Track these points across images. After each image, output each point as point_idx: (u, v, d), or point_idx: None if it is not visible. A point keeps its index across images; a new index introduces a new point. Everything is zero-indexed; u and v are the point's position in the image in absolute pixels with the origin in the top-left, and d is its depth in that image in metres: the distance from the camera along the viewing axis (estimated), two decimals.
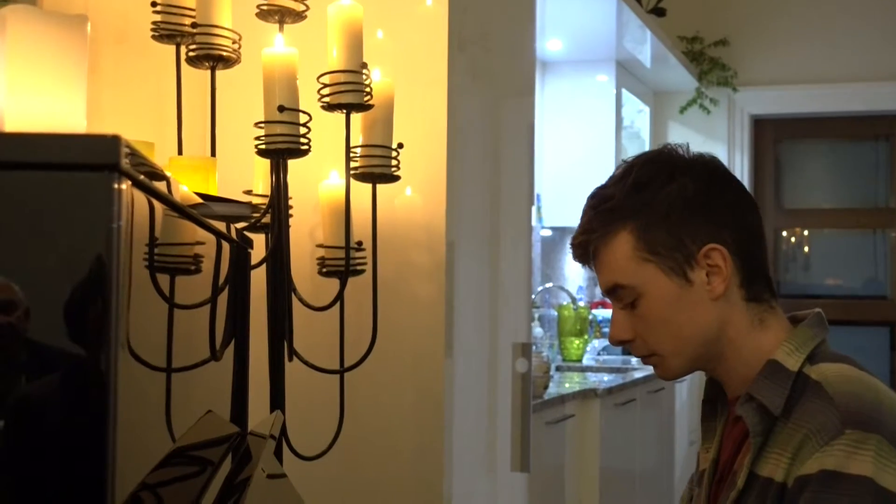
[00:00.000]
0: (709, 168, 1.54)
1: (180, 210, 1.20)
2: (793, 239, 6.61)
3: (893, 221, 6.31)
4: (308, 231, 2.46)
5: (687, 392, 5.49)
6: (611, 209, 1.51)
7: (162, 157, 1.92)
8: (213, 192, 1.83)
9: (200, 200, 1.35)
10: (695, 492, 1.61)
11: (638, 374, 4.72)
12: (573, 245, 1.56)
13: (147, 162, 1.03)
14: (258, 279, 2.21)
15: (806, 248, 6.63)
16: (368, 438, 2.54)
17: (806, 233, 6.60)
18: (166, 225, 1.21)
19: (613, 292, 1.52)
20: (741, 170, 6.25)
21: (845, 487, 1.30)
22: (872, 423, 1.33)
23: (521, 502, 3.26)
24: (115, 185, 0.87)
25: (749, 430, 1.42)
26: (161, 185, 1.10)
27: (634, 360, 5.09)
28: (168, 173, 1.17)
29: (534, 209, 4.96)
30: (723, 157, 6.17)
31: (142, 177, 0.98)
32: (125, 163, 0.89)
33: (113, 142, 0.87)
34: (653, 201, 1.48)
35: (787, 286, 6.52)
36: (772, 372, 1.44)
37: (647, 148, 6.09)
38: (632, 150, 5.90)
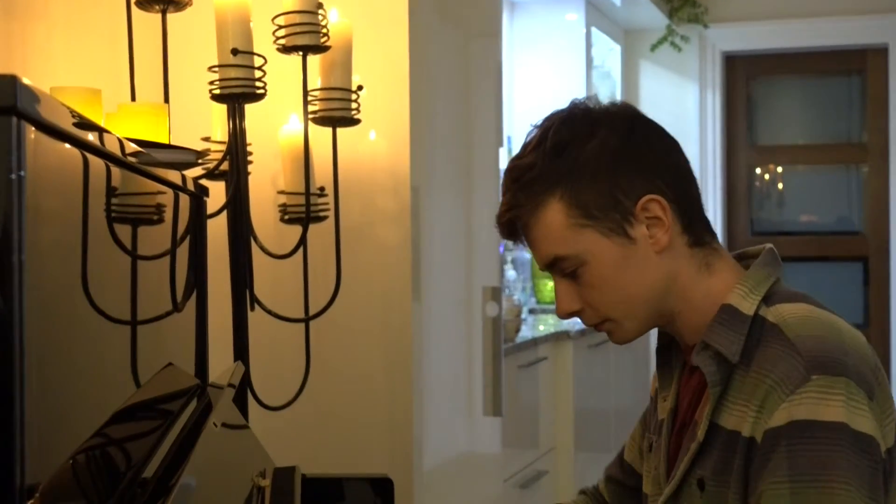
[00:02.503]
0: (627, 116, 1.46)
1: (112, 158, 1.15)
2: (766, 176, 6.59)
3: (866, 157, 6.30)
4: (270, 178, 2.42)
5: None
6: (534, 179, 1.42)
7: (115, 104, 1.87)
8: (164, 138, 1.78)
9: (138, 148, 1.31)
10: (653, 440, 1.54)
11: None
12: (500, 224, 1.47)
13: (68, 109, 0.98)
14: (220, 228, 2.17)
15: (780, 185, 6.61)
16: (336, 387, 2.51)
17: (779, 170, 6.58)
18: (98, 175, 1.16)
19: (553, 265, 1.44)
20: (713, 107, 6.22)
21: (821, 434, 1.25)
22: (838, 365, 1.28)
23: (495, 445, 3.25)
24: (14, 131, 0.79)
25: (707, 380, 1.37)
26: (87, 134, 1.05)
27: None
28: (94, 120, 1.12)
29: (504, 151, 4.92)
30: (694, 95, 6.13)
31: (60, 124, 0.92)
32: (26, 106, 0.81)
33: (8, 82, 0.79)
34: (577, 162, 1.40)
35: (760, 223, 6.51)
36: (726, 317, 1.38)
37: (618, 88, 6.04)
38: (603, 90, 5.85)
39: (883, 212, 6.12)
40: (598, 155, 1.40)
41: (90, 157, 1.12)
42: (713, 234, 1.46)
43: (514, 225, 1.45)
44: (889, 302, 6.06)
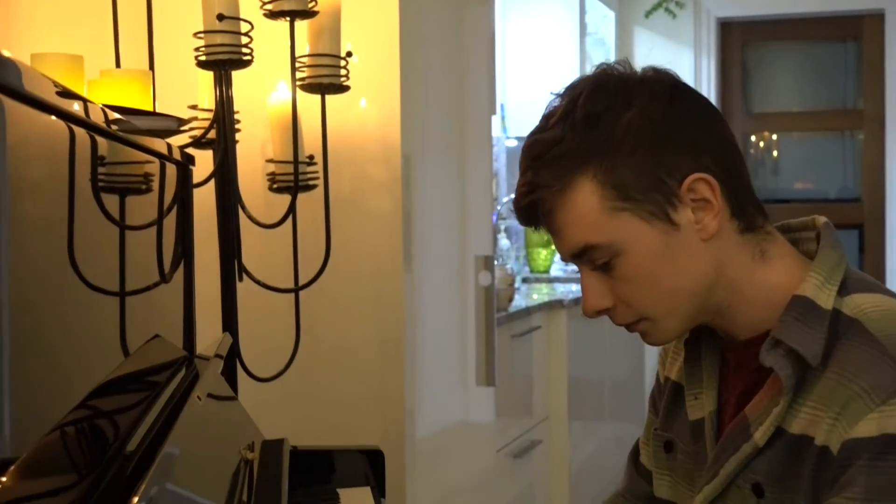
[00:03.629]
0: (667, 83, 1.26)
1: (93, 128, 1.12)
2: (761, 144, 6.56)
3: (862, 123, 6.27)
4: (258, 146, 2.38)
5: None
6: (561, 155, 1.22)
7: (99, 71, 1.84)
8: (147, 106, 1.75)
9: (117, 116, 1.28)
10: (674, 441, 1.39)
11: None
12: (518, 208, 1.28)
13: (49, 79, 0.95)
14: (208, 198, 2.15)
15: (775, 153, 6.58)
16: (327, 358, 2.49)
17: (774, 137, 6.55)
18: (80, 145, 1.13)
19: (583, 255, 1.25)
20: (708, 74, 6.18)
21: None
22: None
23: (488, 415, 3.24)
24: None
25: (783, 384, 1.19)
26: (67, 103, 1.02)
27: None
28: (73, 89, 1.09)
29: (498, 119, 4.89)
30: (689, 62, 6.09)
31: (41, 94, 0.89)
32: (5, 78, 0.79)
33: None
34: (613, 136, 1.21)
35: (756, 192, 6.49)
36: (802, 312, 1.19)
37: (612, 55, 5.99)
38: (597, 57, 5.80)
39: (879, 178, 6.10)
40: (638, 128, 1.21)
41: (71, 126, 1.10)
42: (766, 216, 1.28)
43: (535, 209, 1.26)
44: (885, 269, 6.05)
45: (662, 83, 1.26)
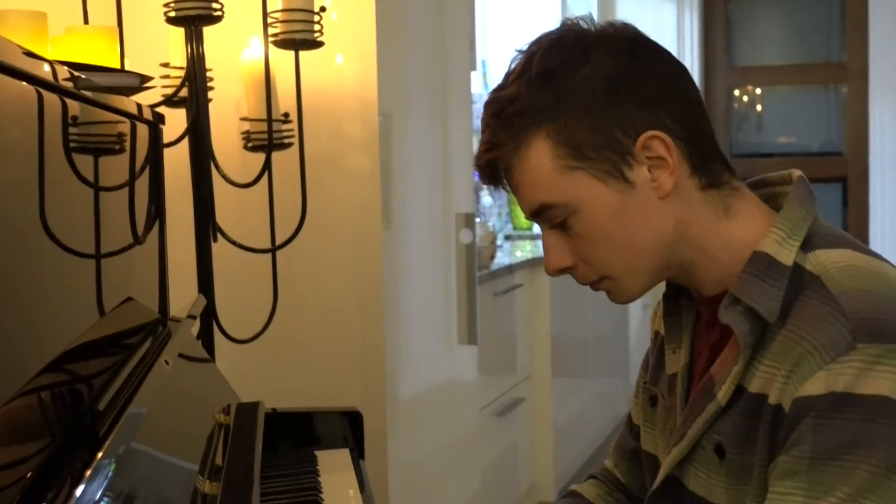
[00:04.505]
0: (627, 38, 1.23)
1: (53, 87, 1.09)
2: (745, 98, 6.54)
3: (845, 77, 6.24)
4: (232, 105, 2.35)
5: None
6: (516, 114, 1.21)
7: (65, 27, 1.80)
8: (115, 63, 1.71)
9: (75, 73, 1.24)
10: (656, 393, 1.38)
11: None
12: (479, 166, 1.26)
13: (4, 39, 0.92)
14: (182, 158, 2.11)
15: (758, 107, 6.56)
16: (306, 318, 2.47)
17: (758, 91, 6.53)
18: (38, 104, 1.10)
19: (540, 214, 1.24)
20: (691, 28, 6.13)
21: (855, 410, 1.08)
22: (891, 330, 1.10)
23: (471, 374, 3.23)
24: None
25: (739, 342, 1.18)
26: (24, 61, 0.99)
27: None
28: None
29: (479, 76, 4.84)
30: (672, 15, 6.04)
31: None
32: None
33: None
34: (566, 93, 1.19)
35: (739, 146, 6.47)
36: (761, 268, 1.18)
37: (595, 10, 5.94)
38: (578, 12, 5.74)
39: (862, 132, 6.08)
40: (592, 84, 1.19)
41: (38, 89, 1.07)
42: (732, 172, 1.26)
43: (494, 168, 1.25)
44: (868, 222, 6.05)
45: (620, 38, 1.23)
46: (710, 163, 1.23)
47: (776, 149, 6.45)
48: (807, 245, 1.19)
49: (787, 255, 1.18)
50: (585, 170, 1.20)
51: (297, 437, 1.88)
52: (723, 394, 1.20)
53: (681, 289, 1.33)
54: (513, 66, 1.25)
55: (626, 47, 1.22)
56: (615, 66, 1.20)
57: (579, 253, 1.24)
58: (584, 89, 1.19)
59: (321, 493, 1.66)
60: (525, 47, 1.25)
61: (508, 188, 1.27)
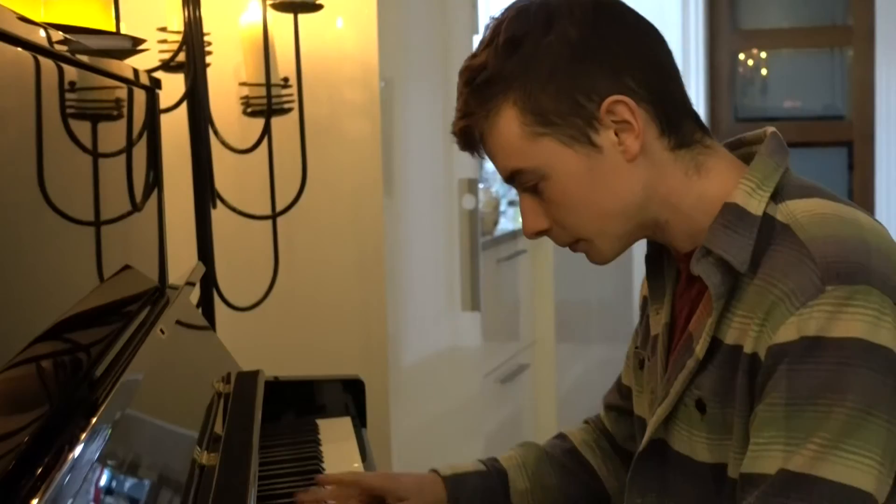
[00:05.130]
0: (589, 4, 1.24)
1: (44, 51, 1.07)
2: (750, 62, 6.49)
3: (851, 40, 6.19)
4: (231, 69, 2.31)
5: None
6: (486, 82, 1.23)
7: None
8: (109, 27, 1.68)
9: (65, 35, 1.21)
10: (644, 357, 1.39)
11: None
12: (454, 133, 1.29)
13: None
14: (180, 123, 2.09)
15: (763, 71, 6.51)
16: (307, 286, 2.45)
17: (763, 55, 6.47)
18: (31, 68, 1.08)
19: (513, 179, 1.27)
20: None
21: (827, 354, 1.10)
22: (859, 272, 1.12)
23: (475, 340, 3.21)
24: None
25: (711, 293, 1.20)
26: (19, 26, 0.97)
27: None
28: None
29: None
30: None
31: None
32: None
33: None
34: (532, 60, 1.21)
35: (744, 110, 6.43)
36: (731, 219, 1.20)
37: None
38: None
39: (868, 96, 6.03)
40: (556, 51, 1.21)
41: (26, 52, 1.05)
42: (705, 131, 1.27)
43: (469, 135, 1.27)
44: (874, 187, 6.01)
45: (584, 4, 1.24)
46: (679, 124, 1.25)
47: (781, 113, 6.40)
48: (777, 196, 1.21)
49: (756, 205, 1.20)
50: (552, 135, 1.22)
51: (299, 405, 1.86)
52: (700, 348, 1.21)
53: (663, 249, 1.35)
54: (485, 34, 1.26)
55: (590, 13, 1.23)
56: (578, 32, 1.22)
57: (553, 216, 1.27)
58: (547, 57, 1.21)
59: (322, 462, 1.65)
60: (498, 14, 1.27)
61: (483, 154, 1.29)
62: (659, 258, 1.37)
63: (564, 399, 4.25)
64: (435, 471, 1.51)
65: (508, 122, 1.23)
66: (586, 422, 1.59)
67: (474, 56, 1.26)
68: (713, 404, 1.21)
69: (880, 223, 1.21)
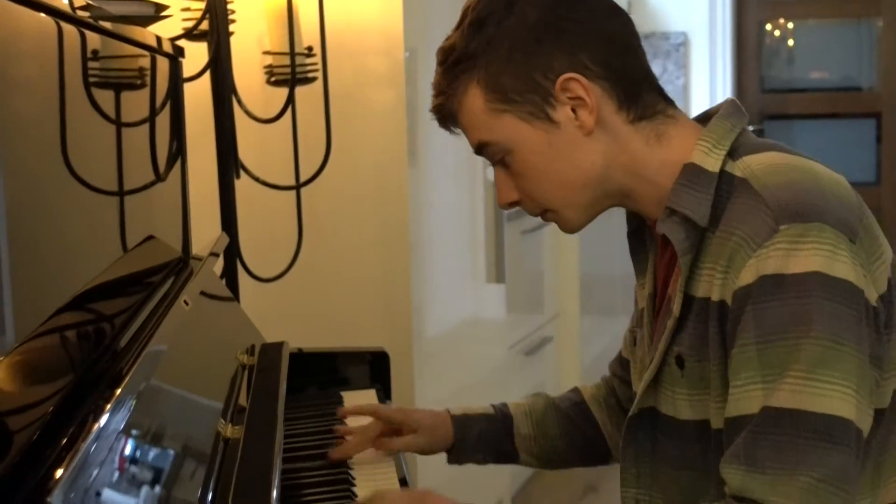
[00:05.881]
0: None
1: (70, 19, 1.05)
2: (776, 32, 6.42)
3: (880, 9, 6.11)
4: (255, 38, 2.29)
5: None
6: (455, 62, 1.30)
7: None
8: None
9: (88, 2, 1.20)
10: (637, 333, 1.43)
11: None
12: (432, 112, 1.37)
13: None
14: (204, 93, 2.08)
15: (790, 41, 6.44)
16: (331, 257, 2.43)
17: (790, 25, 6.40)
18: (65, 37, 1.07)
19: (482, 151, 1.34)
20: None
21: (790, 288, 1.15)
22: (811, 210, 1.17)
23: (498, 313, 3.20)
24: None
25: (676, 249, 1.25)
26: None
27: None
28: None
29: None
30: None
31: None
32: None
33: None
34: (493, 41, 1.28)
35: (770, 81, 6.36)
36: (691, 178, 1.26)
37: None
38: None
39: None
40: (515, 32, 1.28)
41: (49, 19, 1.03)
42: (668, 102, 1.33)
43: (443, 112, 1.34)
44: None
45: None
46: (637, 97, 1.30)
47: (808, 84, 6.34)
48: (735, 153, 1.27)
49: (713, 162, 1.26)
50: (512, 112, 1.29)
51: (323, 377, 1.85)
52: (676, 306, 1.27)
53: (643, 225, 1.40)
54: (460, 16, 1.34)
55: None
56: (536, 14, 1.28)
57: (520, 188, 1.33)
58: (507, 37, 1.28)
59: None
60: None
61: (458, 131, 1.36)
62: (640, 234, 1.42)
63: (588, 372, 4.23)
64: (448, 410, 1.59)
65: (474, 100, 1.30)
66: (603, 378, 1.65)
67: (447, 38, 1.34)
68: (691, 359, 1.26)
69: (839, 175, 1.26)
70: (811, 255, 1.15)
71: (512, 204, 1.35)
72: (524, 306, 3.72)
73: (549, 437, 1.58)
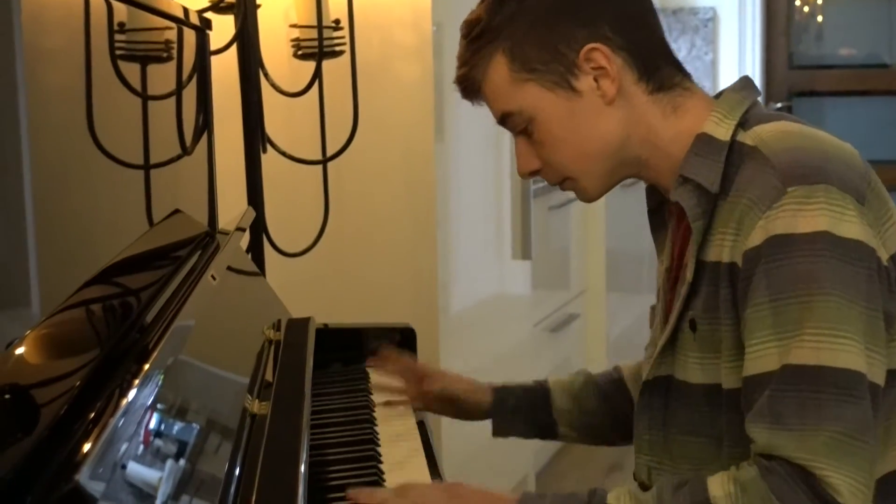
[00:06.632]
0: None
1: None
2: (805, 8, 6.35)
3: None
4: (282, 11, 2.28)
5: None
6: (480, 34, 1.34)
7: None
8: None
9: None
10: (656, 309, 1.46)
11: None
12: (456, 83, 1.40)
13: None
14: (230, 66, 2.06)
15: (819, 18, 6.38)
16: (357, 232, 2.42)
17: (819, 1, 6.34)
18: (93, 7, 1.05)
19: (505, 121, 1.37)
20: None
21: (800, 247, 1.18)
22: (817, 173, 1.21)
23: (524, 289, 3.18)
24: None
25: (688, 215, 1.29)
26: None
27: None
28: None
29: None
30: None
31: None
32: None
33: None
34: (517, 14, 1.32)
35: (799, 57, 6.30)
36: (702, 147, 1.30)
37: None
38: None
39: None
40: (538, 4, 1.33)
41: None
42: (685, 75, 1.37)
43: (468, 83, 1.37)
44: None
45: None
46: (656, 69, 1.34)
47: (837, 60, 6.27)
48: (745, 124, 1.31)
49: (723, 132, 1.30)
50: (536, 81, 1.32)
51: (350, 353, 1.84)
52: (689, 272, 1.30)
53: (663, 203, 1.42)
54: None
55: None
56: None
57: (541, 157, 1.36)
58: (530, 9, 1.32)
59: (374, 411, 1.63)
60: None
61: (482, 102, 1.38)
62: (660, 212, 1.44)
63: (614, 348, 4.21)
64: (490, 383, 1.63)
65: (498, 70, 1.33)
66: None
67: (472, 12, 1.38)
68: (703, 322, 1.29)
69: (848, 144, 1.30)
70: (819, 215, 1.18)
71: (532, 173, 1.39)
72: (550, 283, 3.70)
73: (586, 411, 1.61)
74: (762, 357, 1.19)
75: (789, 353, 1.17)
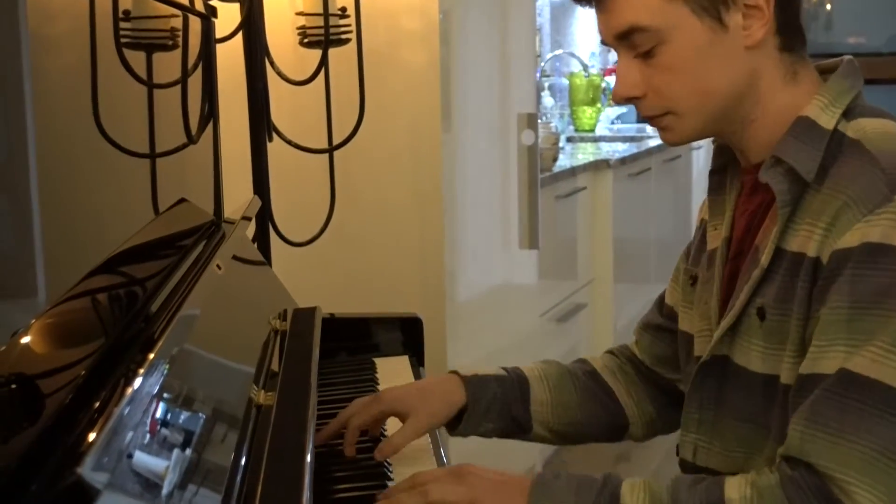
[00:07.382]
0: None
1: None
2: None
3: None
4: None
5: (704, 159, 5.34)
6: None
7: None
8: None
9: None
10: (697, 274, 1.42)
11: (653, 143, 4.55)
12: None
13: None
14: (235, 54, 2.06)
15: (828, 6, 6.36)
16: (363, 221, 2.41)
17: None
18: None
19: (627, 37, 1.26)
20: None
21: (892, 261, 1.13)
22: None
23: (531, 279, 3.17)
24: None
25: (776, 200, 1.23)
26: None
27: (650, 129, 4.92)
28: None
29: None
30: None
31: None
32: None
33: None
34: None
35: (808, 46, 6.29)
36: (803, 130, 1.24)
37: None
38: None
39: None
40: None
41: None
42: (804, 42, 1.30)
43: None
44: None
45: None
46: (792, 26, 1.28)
47: (846, 49, 6.25)
48: (849, 114, 1.25)
49: (827, 119, 1.24)
50: (687, 2, 1.24)
51: (356, 343, 1.84)
52: (765, 257, 1.25)
53: (727, 165, 1.38)
54: None
55: None
56: None
57: (654, 83, 1.28)
58: None
59: None
60: None
61: (596, 5, 1.28)
62: (723, 174, 1.39)
63: (621, 339, 4.18)
64: (455, 372, 1.49)
65: None
66: (609, 352, 1.61)
67: None
68: (773, 312, 1.24)
69: None
70: None
71: (629, 99, 1.30)
72: (557, 272, 3.69)
73: (565, 404, 1.51)
74: (824, 359, 1.16)
75: (850, 359, 1.14)
